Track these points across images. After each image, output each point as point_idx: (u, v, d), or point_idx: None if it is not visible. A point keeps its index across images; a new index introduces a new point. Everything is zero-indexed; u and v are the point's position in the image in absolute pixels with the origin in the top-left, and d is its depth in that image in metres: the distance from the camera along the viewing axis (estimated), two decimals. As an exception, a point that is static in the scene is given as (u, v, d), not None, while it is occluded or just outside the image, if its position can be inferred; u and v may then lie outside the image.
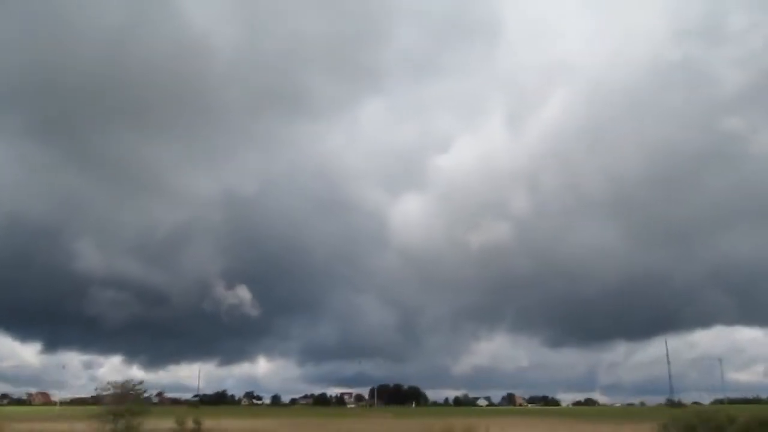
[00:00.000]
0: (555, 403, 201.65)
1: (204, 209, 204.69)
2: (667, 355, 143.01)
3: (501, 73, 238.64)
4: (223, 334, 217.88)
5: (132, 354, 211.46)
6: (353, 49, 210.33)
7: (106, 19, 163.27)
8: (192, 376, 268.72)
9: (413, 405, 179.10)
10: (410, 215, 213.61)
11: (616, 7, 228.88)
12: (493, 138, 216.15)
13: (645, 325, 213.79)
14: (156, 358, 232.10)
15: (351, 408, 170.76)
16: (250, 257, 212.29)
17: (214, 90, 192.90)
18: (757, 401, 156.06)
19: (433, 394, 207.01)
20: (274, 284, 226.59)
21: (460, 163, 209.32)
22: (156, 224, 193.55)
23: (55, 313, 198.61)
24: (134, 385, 37.79)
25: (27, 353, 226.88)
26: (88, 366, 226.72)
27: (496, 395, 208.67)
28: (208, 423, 43.01)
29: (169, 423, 39.03)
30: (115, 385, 36.78)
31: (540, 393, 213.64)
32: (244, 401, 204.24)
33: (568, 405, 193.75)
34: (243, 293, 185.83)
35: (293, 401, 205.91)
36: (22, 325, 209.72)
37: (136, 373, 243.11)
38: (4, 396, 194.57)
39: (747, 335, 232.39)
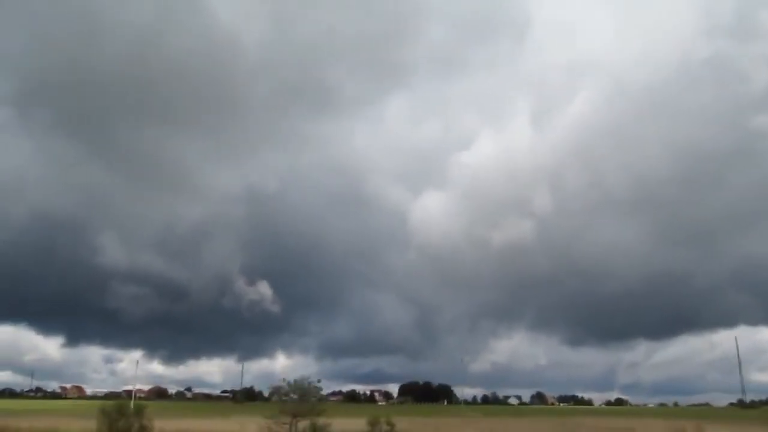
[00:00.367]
0: (583, 402, 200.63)
1: (226, 205, 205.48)
2: (738, 354, 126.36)
3: (527, 70, 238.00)
4: (242, 330, 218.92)
5: (152, 349, 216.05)
6: (380, 46, 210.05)
7: (134, 16, 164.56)
8: (211, 371, 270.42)
9: (445, 403, 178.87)
10: (432, 212, 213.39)
11: (644, 4, 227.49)
12: (516, 136, 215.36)
13: (666, 325, 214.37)
14: (175, 354, 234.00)
15: (385, 405, 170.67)
16: (271, 253, 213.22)
17: (240, 86, 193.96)
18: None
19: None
20: (294, 281, 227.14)
21: (482, 160, 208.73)
22: (178, 220, 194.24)
23: (78, 307, 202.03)
24: (312, 383, 35.49)
25: (49, 347, 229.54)
26: (108, 360, 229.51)
27: (514, 394, 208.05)
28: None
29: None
30: (292, 383, 34.79)
31: (558, 392, 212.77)
32: (275, 398, 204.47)
33: (600, 405, 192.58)
34: (264, 289, 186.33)
35: (322, 398, 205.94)
36: (46, 319, 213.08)
37: (156, 367, 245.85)
38: (38, 389, 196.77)
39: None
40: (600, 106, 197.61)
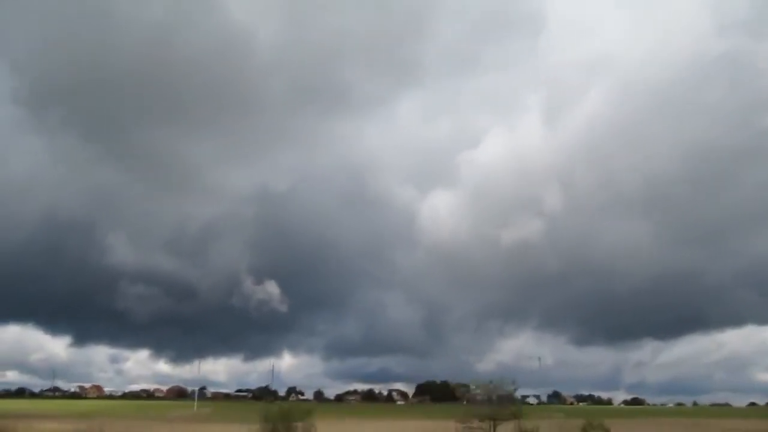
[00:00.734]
0: (601, 402, 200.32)
1: (236, 205, 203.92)
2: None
3: (538, 69, 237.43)
4: (249, 330, 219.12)
5: (159, 348, 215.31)
6: (393, 44, 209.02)
7: (147, 15, 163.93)
8: (216, 371, 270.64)
9: (465, 403, 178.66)
10: (441, 211, 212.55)
11: (658, 0, 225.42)
12: (527, 134, 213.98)
13: (674, 324, 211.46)
14: (182, 353, 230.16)
15: (404, 405, 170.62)
16: (279, 253, 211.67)
17: (253, 85, 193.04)
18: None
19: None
20: (301, 280, 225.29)
21: (494, 159, 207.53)
22: (188, 219, 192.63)
23: (86, 306, 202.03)
24: (508, 386, 34.19)
25: (56, 346, 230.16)
26: (114, 360, 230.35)
27: (521, 393, 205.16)
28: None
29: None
30: (484, 385, 33.21)
31: (564, 391, 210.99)
32: (293, 397, 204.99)
33: (619, 405, 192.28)
34: (272, 288, 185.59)
35: (339, 397, 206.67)
36: (53, 319, 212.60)
37: (163, 367, 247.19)
38: (56, 389, 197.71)
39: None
40: (611, 105, 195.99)
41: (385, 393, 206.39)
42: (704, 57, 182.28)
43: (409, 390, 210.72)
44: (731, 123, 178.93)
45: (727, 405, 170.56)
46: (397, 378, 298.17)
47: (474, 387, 32.22)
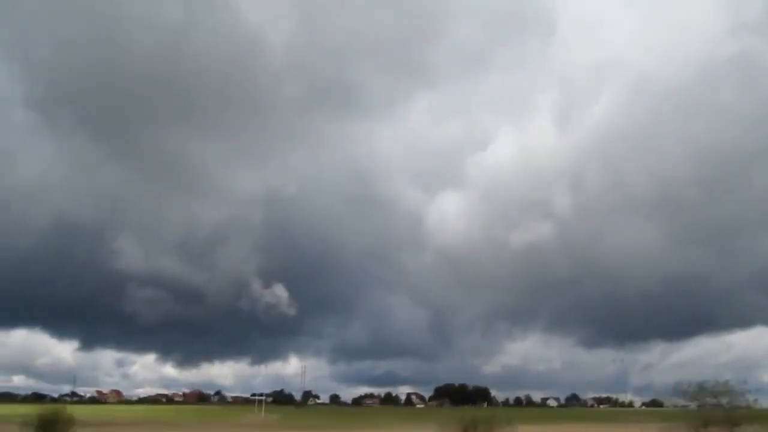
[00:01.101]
0: (621, 404, 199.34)
1: (245, 207, 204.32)
2: None
3: (550, 69, 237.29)
4: (256, 333, 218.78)
5: (165, 352, 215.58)
6: (405, 45, 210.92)
7: (158, 18, 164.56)
8: (223, 375, 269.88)
9: (485, 405, 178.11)
10: (450, 213, 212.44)
11: (670, 1, 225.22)
12: (538, 135, 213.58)
13: (682, 326, 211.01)
14: (189, 357, 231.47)
15: (424, 408, 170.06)
16: (287, 256, 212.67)
17: (264, 87, 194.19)
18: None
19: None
20: (309, 283, 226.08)
21: (504, 160, 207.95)
22: (197, 222, 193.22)
23: (94, 310, 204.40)
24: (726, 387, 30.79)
25: (63, 351, 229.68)
26: (120, 364, 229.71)
27: (523, 395, 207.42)
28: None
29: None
30: (712, 386, 30.68)
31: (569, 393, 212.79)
32: (312, 401, 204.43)
33: (640, 407, 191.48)
34: (280, 292, 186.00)
35: (356, 401, 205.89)
36: (61, 323, 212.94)
37: (169, 371, 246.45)
38: (74, 394, 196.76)
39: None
40: (623, 106, 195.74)
41: (403, 396, 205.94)
42: (716, 58, 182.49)
43: (417, 392, 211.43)
44: (743, 124, 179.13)
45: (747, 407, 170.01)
46: (404, 381, 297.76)
47: (703, 389, 30.03)
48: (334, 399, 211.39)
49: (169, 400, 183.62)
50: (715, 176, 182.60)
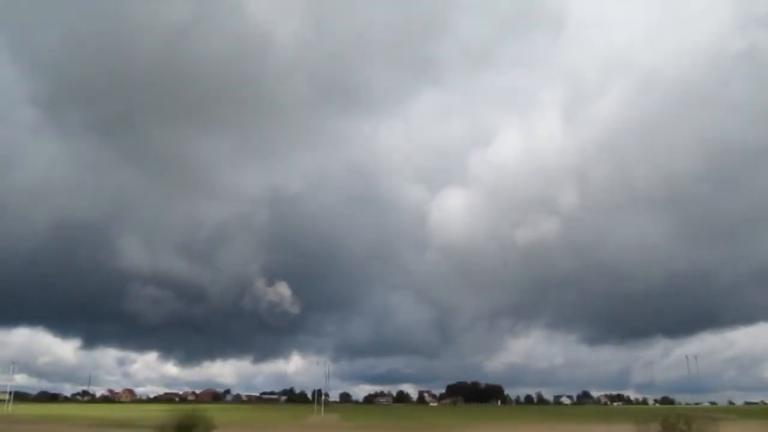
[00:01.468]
0: (635, 401, 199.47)
1: (249, 206, 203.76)
2: None
3: (558, 66, 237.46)
4: (258, 331, 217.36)
5: (167, 351, 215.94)
6: (413, 42, 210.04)
7: (165, 17, 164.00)
8: (223, 373, 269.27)
9: (499, 403, 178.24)
10: (455, 210, 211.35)
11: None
12: (545, 132, 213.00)
13: (685, 322, 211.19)
14: (191, 355, 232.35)
15: (437, 406, 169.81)
16: (291, 254, 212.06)
17: (270, 86, 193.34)
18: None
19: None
20: (313, 282, 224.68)
21: (510, 157, 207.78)
22: (201, 221, 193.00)
23: (97, 309, 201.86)
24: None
25: (65, 350, 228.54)
26: (121, 362, 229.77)
27: (534, 392, 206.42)
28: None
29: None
30: None
31: (574, 390, 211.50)
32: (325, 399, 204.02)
33: (654, 404, 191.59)
34: (283, 290, 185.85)
35: (369, 399, 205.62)
36: (64, 322, 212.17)
37: (170, 369, 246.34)
38: (85, 393, 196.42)
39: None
40: (630, 102, 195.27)
41: (414, 394, 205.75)
42: (725, 53, 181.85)
43: (429, 390, 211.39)
44: (752, 120, 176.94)
45: (762, 403, 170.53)
46: (406, 379, 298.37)
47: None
48: (345, 397, 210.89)
49: (182, 399, 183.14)
50: (721, 172, 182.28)
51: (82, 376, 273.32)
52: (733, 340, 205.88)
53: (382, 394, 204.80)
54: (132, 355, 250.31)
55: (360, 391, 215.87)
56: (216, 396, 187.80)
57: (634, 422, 32.68)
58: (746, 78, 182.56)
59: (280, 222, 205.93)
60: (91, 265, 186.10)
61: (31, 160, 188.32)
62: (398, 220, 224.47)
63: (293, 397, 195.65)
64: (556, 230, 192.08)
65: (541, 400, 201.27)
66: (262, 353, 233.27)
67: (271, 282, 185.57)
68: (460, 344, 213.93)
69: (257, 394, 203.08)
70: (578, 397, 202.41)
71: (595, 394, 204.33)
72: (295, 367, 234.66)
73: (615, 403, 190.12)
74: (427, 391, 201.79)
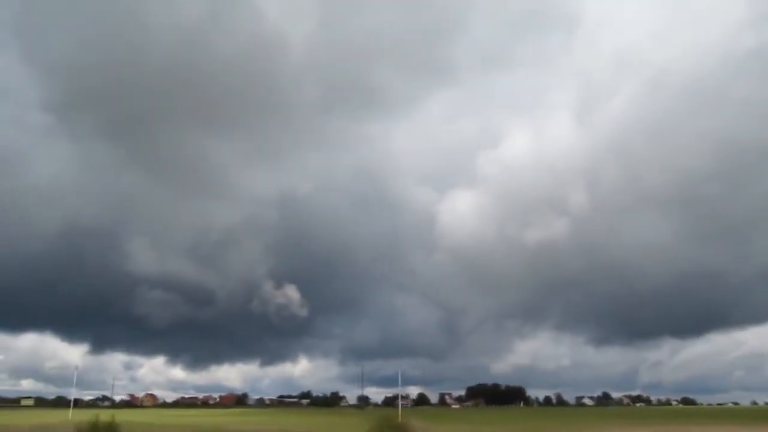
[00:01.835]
0: (654, 403, 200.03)
1: (259, 209, 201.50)
2: None
3: (568, 66, 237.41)
4: (266, 334, 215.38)
5: (175, 354, 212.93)
6: (426, 43, 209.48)
7: (178, 19, 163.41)
8: (230, 377, 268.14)
9: (521, 405, 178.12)
10: (463, 212, 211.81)
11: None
12: (555, 132, 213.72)
13: (694, 323, 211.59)
14: (199, 359, 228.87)
15: (459, 408, 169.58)
16: (300, 257, 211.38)
17: (283, 88, 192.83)
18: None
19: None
20: (321, 284, 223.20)
21: (520, 157, 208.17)
22: (211, 224, 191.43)
23: (105, 314, 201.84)
24: None
25: (72, 354, 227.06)
26: (128, 367, 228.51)
27: (543, 394, 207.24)
28: None
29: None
30: None
31: (582, 392, 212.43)
32: (344, 402, 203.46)
33: (677, 404, 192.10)
34: (292, 293, 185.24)
35: (388, 402, 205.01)
36: (71, 326, 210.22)
37: (178, 373, 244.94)
38: (105, 398, 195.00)
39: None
40: (640, 101, 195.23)
41: (437, 396, 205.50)
42: (736, 52, 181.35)
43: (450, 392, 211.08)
44: (763, 119, 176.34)
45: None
46: (412, 381, 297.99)
47: None
48: (363, 400, 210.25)
49: (204, 402, 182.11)
50: (731, 172, 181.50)
51: (88, 381, 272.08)
52: (742, 340, 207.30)
53: (403, 397, 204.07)
54: (139, 359, 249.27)
55: (366, 393, 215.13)
56: (240, 400, 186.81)
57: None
58: (757, 77, 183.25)
59: (288, 224, 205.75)
60: (99, 268, 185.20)
61: (41, 164, 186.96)
62: (406, 221, 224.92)
63: (315, 401, 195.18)
64: (565, 231, 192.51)
65: (561, 402, 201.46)
66: (270, 356, 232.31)
67: (279, 285, 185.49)
68: (467, 346, 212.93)
69: (273, 398, 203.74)
70: (598, 398, 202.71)
71: (614, 395, 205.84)
72: (302, 370, 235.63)
73: (638, 404, 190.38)
74: (448, 394, 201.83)
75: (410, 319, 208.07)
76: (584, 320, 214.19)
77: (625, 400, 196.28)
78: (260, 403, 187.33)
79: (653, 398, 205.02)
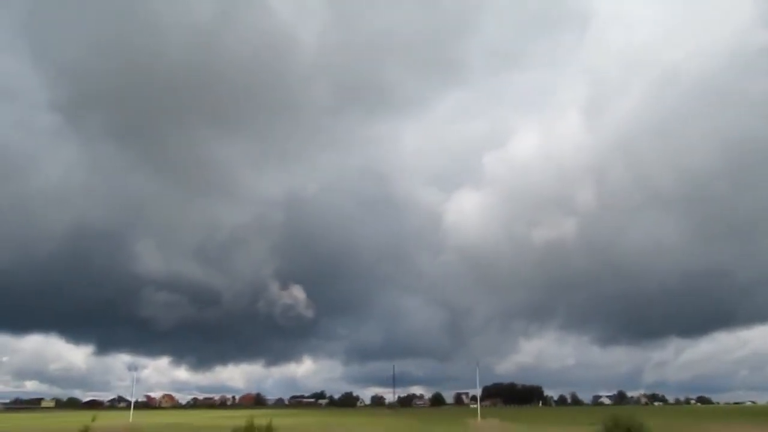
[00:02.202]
0: (673, 402, 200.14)
1: (266, 209, 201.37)
2: None
3: (577, 66, 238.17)
4: (271, 335, 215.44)
5: (179, 355, 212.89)
6: (437, 43, 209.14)
7: (188, 19, 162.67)
8: (234, 378, 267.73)
9: (540, 404, 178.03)
10: (470, 211, 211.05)
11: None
12: (563, 132, 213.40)
13: (699, 322, 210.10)
14: (203, 360, 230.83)
15: (475, 408, 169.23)
16: (306, 257, 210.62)
17: (293, 88, 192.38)
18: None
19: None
20: (327, 285, 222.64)
21: (529, 157, 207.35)
22: (218, 225, 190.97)
23: (110, 315, 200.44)
24: None
25: (77, 355, 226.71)
26: (132, 368, 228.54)
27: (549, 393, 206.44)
28: None
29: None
30: None
31: (587, 391, 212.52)
32: (361, 403, 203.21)
33: (693, 403, 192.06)
34: (298, 293, 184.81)
35: (403, 402, 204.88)
36: (77, 328, 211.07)
37: (182, 374, 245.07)
38: (120, 399, 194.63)
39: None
40: (649, 100, 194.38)
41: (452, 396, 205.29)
42: (747, 50, 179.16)
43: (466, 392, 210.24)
44: None
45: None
46: (417, 381, 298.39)
47: None
48: (377, 400, 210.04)
49: (221, 403, 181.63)
50: (740, 170, 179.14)
51: (91, 382, 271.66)
52: (747, 339, 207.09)
53: (419, 397, 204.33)
54: (143, 360, 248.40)
55: (370, 393, 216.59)
56: (259, 401, 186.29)
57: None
58: (766, 76, 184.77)
59: (294, 225, 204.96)
60: (105, 270, 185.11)
61: (49, 165, 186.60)
62: (413, 222, 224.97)
63: (332, 402, 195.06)
64: (573, 230, 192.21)
65: (576, 401, 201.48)
66: (274, 357, 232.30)
67: (285, 285, 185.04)
68: (472, 346, 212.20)
69: (287, 398, 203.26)
70: (614, 397, 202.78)
71: (630, 394, 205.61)
72: (305, 371, 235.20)
73: (656, 404, 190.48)
74: (465, 393, 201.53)
75: (415, 320, 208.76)
76: (590, 320, 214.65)
77: (643, 399, 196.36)
78: (280, 403, 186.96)
79: (669, 397, 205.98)
